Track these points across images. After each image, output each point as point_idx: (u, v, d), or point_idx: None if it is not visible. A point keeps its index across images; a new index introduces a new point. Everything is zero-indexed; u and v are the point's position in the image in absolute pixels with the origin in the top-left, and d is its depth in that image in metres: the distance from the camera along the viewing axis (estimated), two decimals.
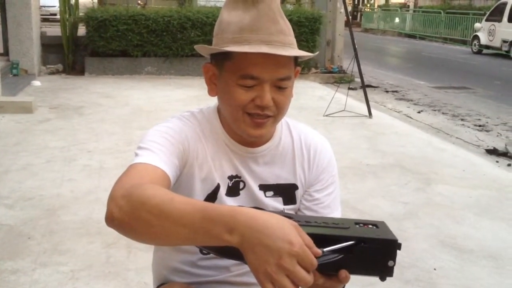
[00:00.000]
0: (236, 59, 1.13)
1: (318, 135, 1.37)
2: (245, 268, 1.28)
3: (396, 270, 0.98)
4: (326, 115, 6.77)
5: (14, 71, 8.95)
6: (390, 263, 0.98)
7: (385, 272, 0.99)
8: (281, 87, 1.16)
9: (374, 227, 1.04)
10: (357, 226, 1.04)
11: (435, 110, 8.13)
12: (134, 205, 0.93)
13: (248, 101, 1.15)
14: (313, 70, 10.76)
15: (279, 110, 1.19)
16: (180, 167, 1.20)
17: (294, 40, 1.17)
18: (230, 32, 1.14)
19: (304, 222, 1.03)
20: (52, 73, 9.81)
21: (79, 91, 8.15)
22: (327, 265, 0.96)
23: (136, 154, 1.14)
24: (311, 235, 0.97)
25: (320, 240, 0.96)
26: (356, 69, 7.22)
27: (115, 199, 0.96)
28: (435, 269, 2.97)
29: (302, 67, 10.22)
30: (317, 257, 0.92)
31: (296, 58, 1.20)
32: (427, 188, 4.34)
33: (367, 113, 6.95)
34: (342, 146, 5.28)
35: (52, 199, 3.74)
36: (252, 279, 1.29)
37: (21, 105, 6.45)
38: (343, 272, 0.97)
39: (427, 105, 8.50)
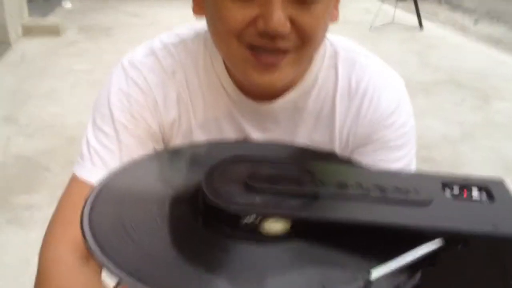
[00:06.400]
0: None
1: (382, 72, 0.89)
2: None
3: None
4: (372, 29, 6.22)
5: None
6: None
7: None
8: None
9: (484, 195, 0.53)
10: (447, 193, 0.53)
11: (493, 19, 7.42)
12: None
13: (246, 24, 0.68)
14: None
15: (304, 40, 0.69)
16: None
17: None
18: None
19: (362, 191, 0.51)
20: None
21: (109, 11, 7.80)
22: None
23: (82, 155, 0.82)
24: (366, 227, 0.48)
25: (382, 234, 0.48)
26: None
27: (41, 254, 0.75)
28: None
29: None
30: None
31: None
32: (485, 106, 3.93)
33: (417, 25, 6.37)
34: (389, 62, 4.67)
35: (74, 128, 3.50)
36: None
37: (48, 28, 6.20)
38: None
39: (484, 13, 7.76)
